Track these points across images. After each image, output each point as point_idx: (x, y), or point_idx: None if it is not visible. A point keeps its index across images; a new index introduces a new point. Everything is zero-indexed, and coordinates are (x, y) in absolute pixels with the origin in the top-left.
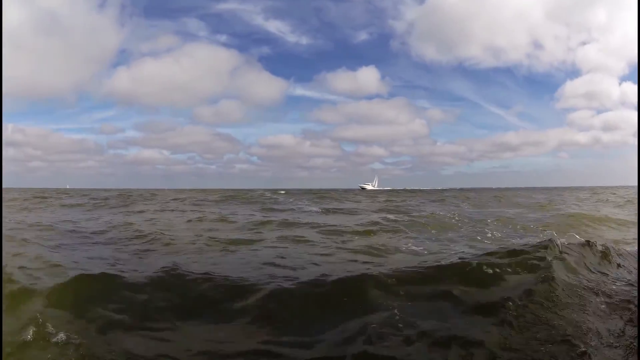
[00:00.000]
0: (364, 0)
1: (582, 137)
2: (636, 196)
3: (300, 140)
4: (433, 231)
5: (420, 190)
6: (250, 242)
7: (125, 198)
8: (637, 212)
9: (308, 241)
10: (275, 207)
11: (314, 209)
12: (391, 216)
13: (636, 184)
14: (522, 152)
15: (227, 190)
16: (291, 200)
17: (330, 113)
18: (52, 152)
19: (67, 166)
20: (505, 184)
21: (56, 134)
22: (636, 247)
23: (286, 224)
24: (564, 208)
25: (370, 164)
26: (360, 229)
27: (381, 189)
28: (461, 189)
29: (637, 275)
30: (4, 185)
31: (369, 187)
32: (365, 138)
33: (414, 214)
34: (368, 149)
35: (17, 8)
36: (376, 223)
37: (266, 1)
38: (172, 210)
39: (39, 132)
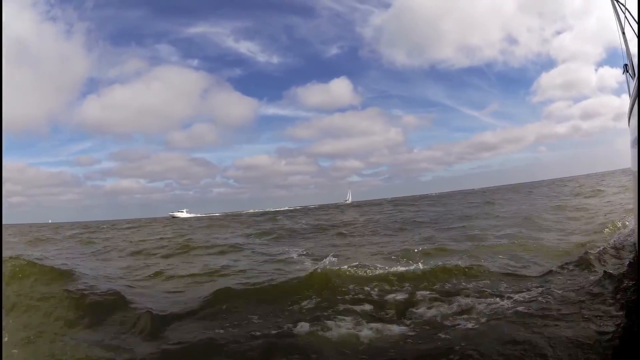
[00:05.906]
0: (332, 14)
1: (560, 129)
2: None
3: (276, 160)
4: None
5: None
6: None
7: None
8: (636, 210)
9: None
10: None
11: None
12: None
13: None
14: (501, 150)
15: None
16: None
17: (304, 129)
18: (31, 186)
19: (47, 200)
20: (487, 183)
21: (33, 167)
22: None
23: None
24: None
25: (348, 177)
26: None
27: (355, 201)
28: (440, 194)
29: (636, 272)
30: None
31: (182, 215)
32: (341, 152)
33: None
34: (344, 162)
35: None
36: None
37: (235, 22)
38: None
39: (17, 166)
